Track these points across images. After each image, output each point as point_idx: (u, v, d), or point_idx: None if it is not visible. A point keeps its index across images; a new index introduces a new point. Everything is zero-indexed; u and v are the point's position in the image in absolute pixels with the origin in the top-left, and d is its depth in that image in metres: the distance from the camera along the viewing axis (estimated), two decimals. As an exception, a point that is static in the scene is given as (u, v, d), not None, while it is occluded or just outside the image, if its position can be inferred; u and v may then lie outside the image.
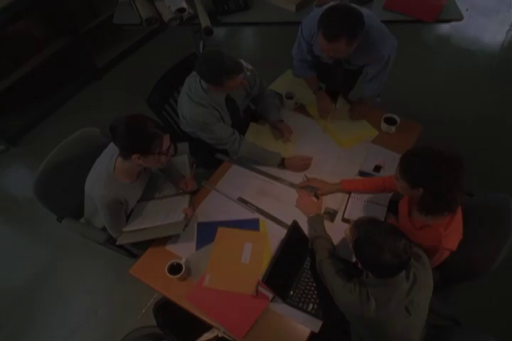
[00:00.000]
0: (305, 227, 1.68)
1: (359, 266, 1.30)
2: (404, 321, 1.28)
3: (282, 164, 1.91)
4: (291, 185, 1.87)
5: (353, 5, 1.65)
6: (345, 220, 1.75)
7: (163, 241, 1.70)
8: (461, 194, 1.33)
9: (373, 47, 1.77)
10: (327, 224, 1.74)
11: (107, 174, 1.53)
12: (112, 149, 1.55)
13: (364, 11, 1.67)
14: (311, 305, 1.52)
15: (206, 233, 1.71)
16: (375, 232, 1.24)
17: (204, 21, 2.36)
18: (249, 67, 1.93)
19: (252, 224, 1.74)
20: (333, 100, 2.14)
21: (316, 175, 1.89)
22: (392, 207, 1.75)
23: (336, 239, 1.69)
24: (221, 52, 1.61)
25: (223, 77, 1.61)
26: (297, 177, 1.89)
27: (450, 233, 1.39)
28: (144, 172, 1.67)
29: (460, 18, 2.45)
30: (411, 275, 1.29)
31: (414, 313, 1.28)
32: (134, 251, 1.92)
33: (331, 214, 1.77)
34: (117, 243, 1.65)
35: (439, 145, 1.32)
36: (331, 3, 1.78)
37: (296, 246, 1.62)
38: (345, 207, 1.79)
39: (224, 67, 1.59)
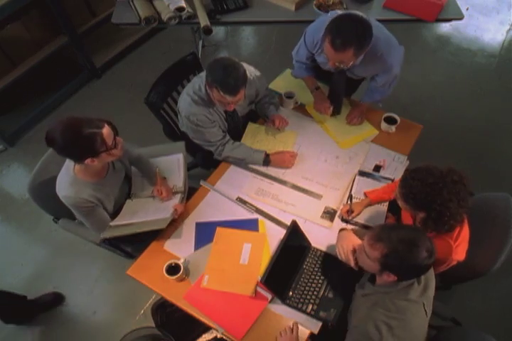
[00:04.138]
0: (304, 227, 1.66)
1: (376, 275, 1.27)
2: (423, 322, 1.27)
3: (267, 161, 1.89)
4: (293, 186, 1.85)
5: (361, 14, 1.63)
6: (344, 220, 1.74)
7: (162, 241, 1.69)
8: (467, 208, 1.30)
9: (381, 58, 1.76)
10: (327, 223, 1.73)
11: (68, 175, 1.50)
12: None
13: (372, 21, 1.66)
14: (310, 306, 1.51)
15: (205, 233, 1.70)
16: (404, 234, 1.19)
17: (203, 20, 2.35)
18: (258, 73, 1.92)
19: (251, 224, 1.73)
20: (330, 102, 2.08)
21: (315, 176, 1.87)
22: (393, 207, 1.74)
23: (335, 240, 1.68)
24: (237, 67, 1.61)
25: (214, 84, 1.61)
26: (296, 178, 1.88)
27: (460, 244, 1.37)
28: (113, 169, 1.64)
29: (461, 17, 2.44)
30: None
31: (429, 313, 1.27)
32: (132, 251, 1.90)
33: (331, 214, 1.76)
34: (101, 236, 1.63)
35: (438, 163, 1.31)
36: (341, 12, 1.77)
37: (295, 247, 1.61)
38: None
39: (222, 78, 1.58)
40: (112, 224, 1.65)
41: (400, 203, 1.38)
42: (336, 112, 2.10)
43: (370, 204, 1.77)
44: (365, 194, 1.79)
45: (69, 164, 1.52)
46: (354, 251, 1.39)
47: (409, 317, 1.22)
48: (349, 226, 1.71)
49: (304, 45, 1.91)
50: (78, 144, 1.35)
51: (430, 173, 1.26)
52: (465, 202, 1.27)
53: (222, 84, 1.59)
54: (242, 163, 1.92)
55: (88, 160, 1.39)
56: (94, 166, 1.47)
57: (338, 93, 2.05)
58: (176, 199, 1.74)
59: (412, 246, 1.16)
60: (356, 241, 1.43)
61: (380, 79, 1.95)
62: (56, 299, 2.26)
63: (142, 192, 1.78)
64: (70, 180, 1.50)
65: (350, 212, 1.72)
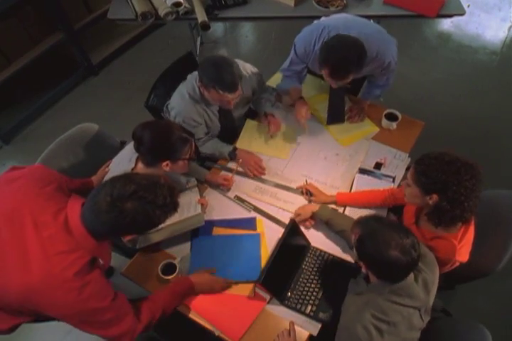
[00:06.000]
0: (303, 226, 1.63)
1: (362, 270, 1.22)
2: (417, 326, 1.23)
3: (233, 154, 1.85)
4: (287, 188, 1.81)
5: (350, 34, 1.59)
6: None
7: (158, 240, 1.65)
8: (477, 203, 1.25)
9: (377, 58, 1.73)
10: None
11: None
12: (130, 151, 1.49)
13: (358, 19, 1.66)
14: (309, 307, 1.47)
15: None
16: (379, 228, 1.16)
17: (200, 16, 2.32)
18: (254, 70, 1.89)
19: (249, 223, 1.69)
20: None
21: (314, 174, 1.85)
22: (393, 207, 1.70)
23: (336, 239, 1.65)
24: (231, 64, 1.58)
25: (211, 84, 1.58)
26: (296, 175, 1.85)
27: (464, 245, 1.34)
28: None
29: (462, 13, 2.42)
30: (420, 279, 1.21)
31: (425, 320, 1.24)
32: (132, 250, 1.86)
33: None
34: (138, 246, 1.58)
35: (451, 149, 1.29)
36: (325, 20, 1.80)
37: (294, 246, 1.58)
38: (345, 206, 1.74)
39: (218, 76, 1.56)
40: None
41: (410, 191, 1.33)
42: (339, 121, 2.04)
43: (334, 203, 1.73)
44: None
45: (126, 167, 1.47)
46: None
47: (400, 321, 1.17)
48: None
49: (296, 57, 1.87)
50: (170, 142, 1.38)
51: (446, 154, 1.26)
52: (479, 188, 1.23)
53: (219, 83, 1.56)
54: (215, 157, 1.90)
55: (164, 164, 1.40)
56: (156, 173, 1.43)
57: (338, 104, 2.03)
58: (196, 192, 1.71)
59: (382, 242, 1.12)
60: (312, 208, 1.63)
61: (381, 77, 1.94)
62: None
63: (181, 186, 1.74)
64: None
65: (308, 194, 1.74)
